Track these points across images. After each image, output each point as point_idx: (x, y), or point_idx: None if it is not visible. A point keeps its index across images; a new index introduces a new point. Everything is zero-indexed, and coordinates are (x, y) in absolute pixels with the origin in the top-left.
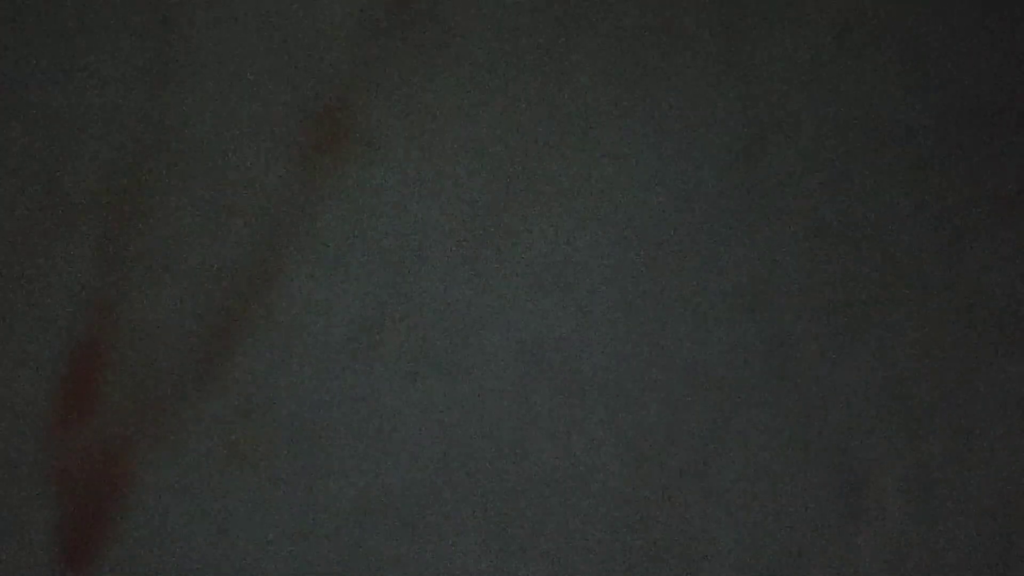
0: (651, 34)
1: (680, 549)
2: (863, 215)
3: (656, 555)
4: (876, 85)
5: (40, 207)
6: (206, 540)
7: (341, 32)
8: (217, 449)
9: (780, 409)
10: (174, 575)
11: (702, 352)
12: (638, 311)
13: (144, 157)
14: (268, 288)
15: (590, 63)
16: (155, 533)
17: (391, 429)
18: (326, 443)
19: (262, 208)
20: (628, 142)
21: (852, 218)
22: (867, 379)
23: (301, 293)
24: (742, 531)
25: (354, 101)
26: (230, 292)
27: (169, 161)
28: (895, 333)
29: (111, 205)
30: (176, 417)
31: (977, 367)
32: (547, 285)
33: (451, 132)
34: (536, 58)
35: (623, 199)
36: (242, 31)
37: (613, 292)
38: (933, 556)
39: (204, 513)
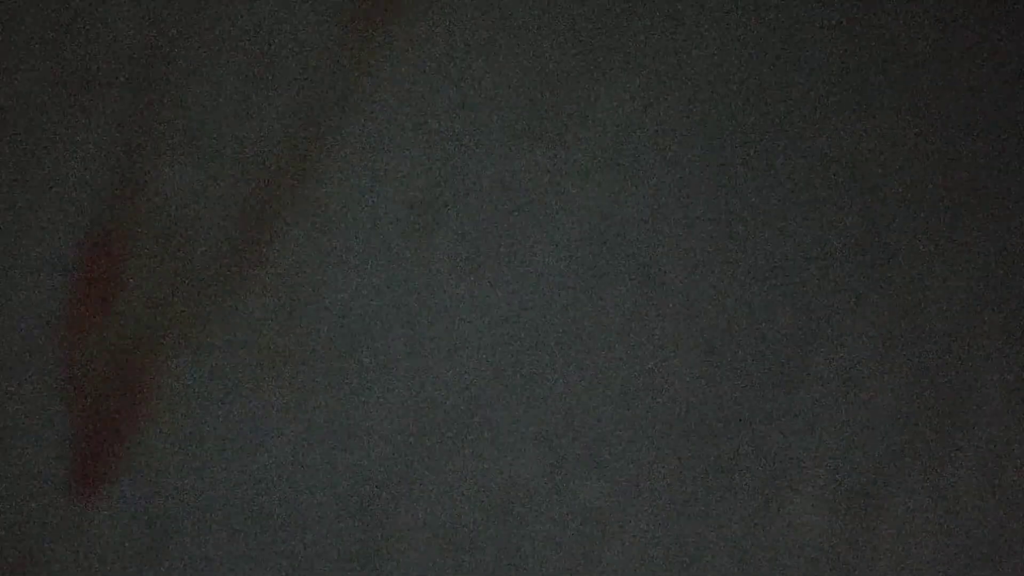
0: None
1: (758, 466)
2: (973, 101)
3: (731, 472)
4: None
5: (55, 80)
6: (236, 456)
7: None
8: (250, 352)
9: (876, 308)
10: (199, 497)
11: (792, 243)
12: (720, 193)
13: (171, 23)
14: (310, 170)
15: None
16: (177, 449)
17: (444, 329)
18: (372, 344)
19: (304, 79)
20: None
21: (964, 104)
22: (972, 275)
23: (347, 175)
24: (827, 446)
25: None
26: (267, 174)
27: (200, 26)
28: (1004, 224)
29: (133, 76)
30: (204, 316)
31: None
32: (619, 162)
33: None
34: None
35: (709, 68)
36: None
37: (693, 170)
38: None
39: (234, 425)
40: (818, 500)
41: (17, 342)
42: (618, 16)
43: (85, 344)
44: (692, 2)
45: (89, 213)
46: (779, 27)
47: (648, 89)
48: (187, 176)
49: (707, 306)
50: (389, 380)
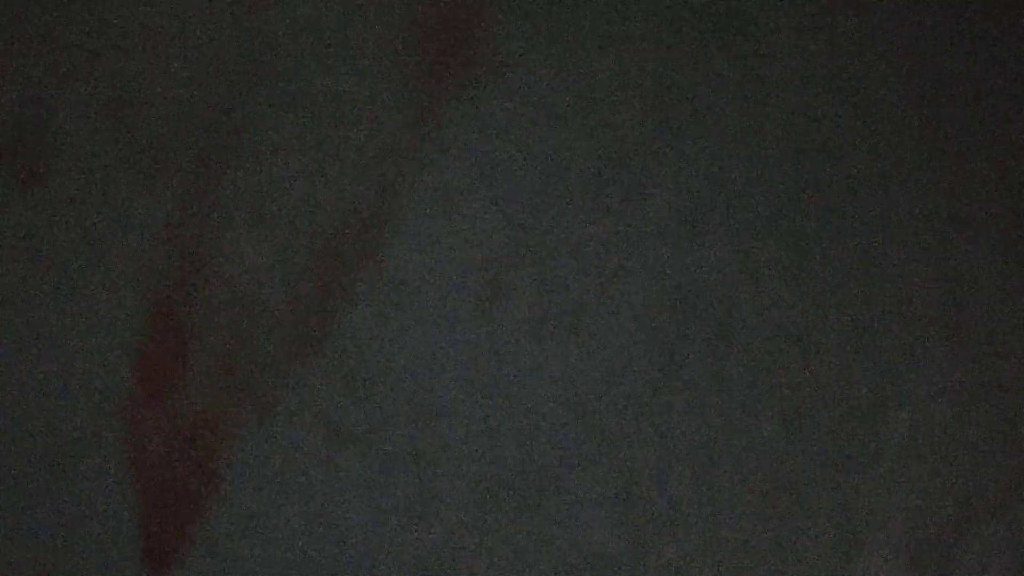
0: None
1: (835, 523)
2: None
3: (807, 530)
4: None
5: (118, 155)
6: (307, 535)
7: None
8: (318, 429)
9: (953, 367)
10: None
11: (869, 305)
12: (795, 257)
13: (231, 86)
14: (376, 238)
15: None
16: (247, 528)
17: (515, 399)
18: (442, 417)
19: (369, 143)
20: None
21: None
22: None
23: (414, 244)
24: (904, 500)
25: (482, 16)
26: (332, 244)
27: (260, 91)
28: None
29: (193, 143)
30: (272, 391)
31: None
32: (692, 226)
33: (593, 54)
34: None
35: (782, 131)
36: None
37: (767, 234)
38: None
39: (304, 504)
40: (895, 554)
41: (83, 421)
42: (690, 79)
43: (151, 422)
44: (765, 64)
45: (153, 288)
46: (852, 87)
47: (721, 152)
48: (252, 249)
49: (784, 370)
50: (462, 450)
